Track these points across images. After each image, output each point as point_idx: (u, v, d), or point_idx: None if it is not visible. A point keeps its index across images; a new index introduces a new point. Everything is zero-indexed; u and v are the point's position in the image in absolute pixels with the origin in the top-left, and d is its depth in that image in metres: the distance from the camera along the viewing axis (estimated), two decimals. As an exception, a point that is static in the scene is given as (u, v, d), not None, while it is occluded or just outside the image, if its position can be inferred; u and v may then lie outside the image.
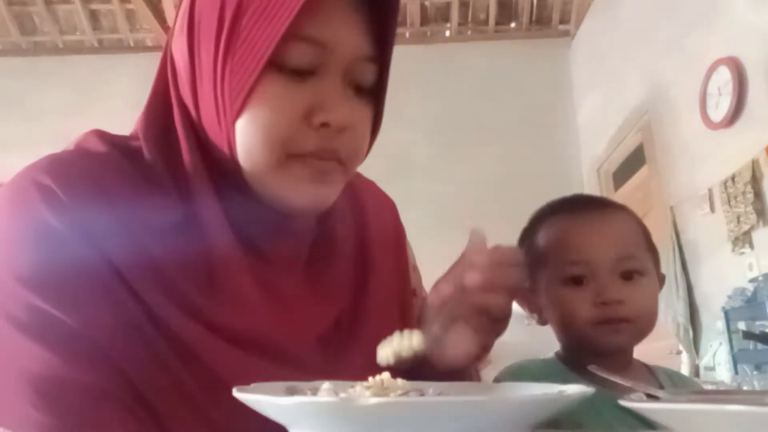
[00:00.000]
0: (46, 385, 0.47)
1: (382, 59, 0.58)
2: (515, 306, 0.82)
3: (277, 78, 0.53)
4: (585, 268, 0.73)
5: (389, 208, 0.77)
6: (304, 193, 0.56)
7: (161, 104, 0.59)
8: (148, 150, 0.57)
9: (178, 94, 0.58)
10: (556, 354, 0.81)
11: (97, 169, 0.55)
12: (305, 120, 0.54)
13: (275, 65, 0.53)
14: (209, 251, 0.55)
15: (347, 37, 0.55)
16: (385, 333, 0.61)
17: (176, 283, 0.53)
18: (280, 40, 0.51)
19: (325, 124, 0.54)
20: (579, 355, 0.76)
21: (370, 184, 0.77)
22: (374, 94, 0.59)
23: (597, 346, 0.74)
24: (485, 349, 0.60)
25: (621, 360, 0.76)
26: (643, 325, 0.74)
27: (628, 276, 0.73)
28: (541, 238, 0.78)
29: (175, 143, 0.57)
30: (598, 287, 0.72)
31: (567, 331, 0.76)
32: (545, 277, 0.77)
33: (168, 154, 0.57)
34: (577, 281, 0.74)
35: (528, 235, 0.82)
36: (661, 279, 0.80)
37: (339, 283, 0.64)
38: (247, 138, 0.54)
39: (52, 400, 0.47)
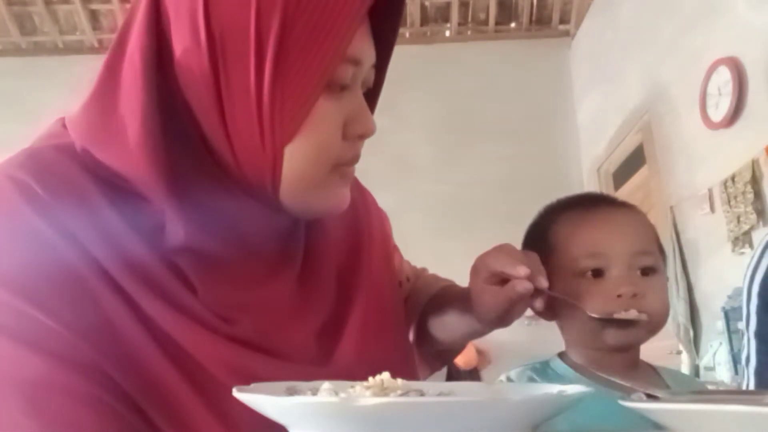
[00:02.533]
0: (34, 390, 0.46)
1: (381, 65, 0.60)
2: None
3: (325, 101, 0.53)
4: (603, 261, 0.72)
5: (369, 197, 0.78)
6: (336, 198, 0.58)
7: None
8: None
9: (191, 117, 0.53)
10: (559, 354, 0.79)
11: (73, 164, 0.53)
12: (342, 133, 0.55)
13: (324, 89, 0.52)
14: (194, 249, 0.54)
15: (370, 51, 0.57)
16: (374, 322, 0.64)
17: (164, 281, 0.52)
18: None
19: (361, 136, 0.57)
20: (586, 353, 0.75)
21: None
22: (371, 94, 0.61)
23: (608, 342, 0.72)
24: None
25: (628, 359, 0.75)
26: (656, 321, 0.73)
27: (644, 272, 0.73)
28: (555, 231, 0.77)
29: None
30: (616, 280, 0.71)
31: (579, 325, 0.74)
32: (558, 270, 0.74)
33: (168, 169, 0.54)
34: (594, 274, 0.72)
35: (537, 229, 0.80)
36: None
37: (329, 277, 0.65)
38: (300, 160, 0.53)
39: (41, 406, 0.46)
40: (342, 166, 0.57)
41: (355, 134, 0.56)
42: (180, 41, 0.52)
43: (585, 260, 0.72)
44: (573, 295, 0.72)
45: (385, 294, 0.70)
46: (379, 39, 0.58)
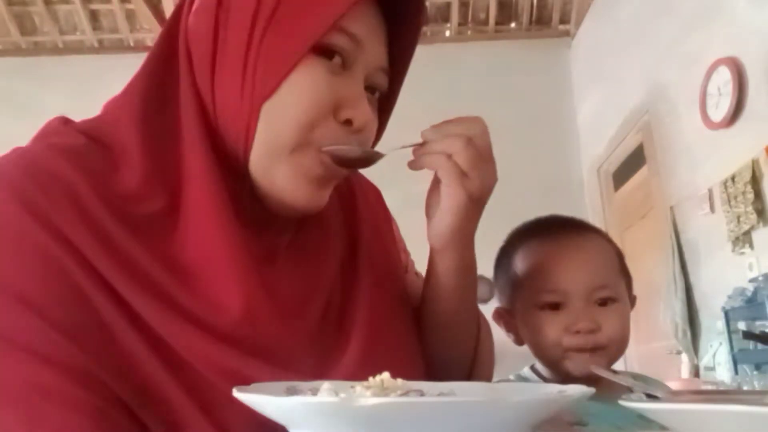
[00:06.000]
0: (25, 394, 0.45)
1: (396, 76, 0.61)
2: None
3: (313, 65, 0.54)
4: (560, 296, 0.74)
5: (375, 193, 0.77)
6: (305, 194, 0.57)
7: (156, 88, 0.57)
8: (129, 134, 0.55)
9: (192, 78, 0.57)
10: (533, 368, 0.81)
11: (66, 163, 0.52)
12: (331, 113, 0.55)
13: (313, 52, 0.54)
14: (197, 245, 0.52)
15: (376, 42, 0.58)
16: (377, 320, 0.62)
17: (158, 280, 0.51)
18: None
19: (348, 121, 0.56)
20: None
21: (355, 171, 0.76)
22: (383, 106, 0.62)
23: (568, 373, 0.74)
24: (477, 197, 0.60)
25: (593, 382, 0.76)
26: (614, 351, 0.75)
27: (602, 302, 0.75)
28: (518, 261, 0.80)
29: (169, 129, 0.55)
30: (573, 315, 0.74)
31: (541, 354, 0.78)
32: (521, 300, 0.78)
33: (158, 141, 0.55)
34: (552, 307, 0.75)
35: (505, 255, 0.83)
36: (633, 300, 0.81)
37: (327, 269, 0.63)
38: (273, 121, 0.54)
39: (32, 411, 0.45)
40: (322, 151, 0.55)
41: (343, 117, 0.56)
42: (194, 8, 0.57)
43: (544, 295, 0.75)
44: (533, 326, 0.76)
45: (389, 288, 0.68)
46: (396, 51, 0.60)
